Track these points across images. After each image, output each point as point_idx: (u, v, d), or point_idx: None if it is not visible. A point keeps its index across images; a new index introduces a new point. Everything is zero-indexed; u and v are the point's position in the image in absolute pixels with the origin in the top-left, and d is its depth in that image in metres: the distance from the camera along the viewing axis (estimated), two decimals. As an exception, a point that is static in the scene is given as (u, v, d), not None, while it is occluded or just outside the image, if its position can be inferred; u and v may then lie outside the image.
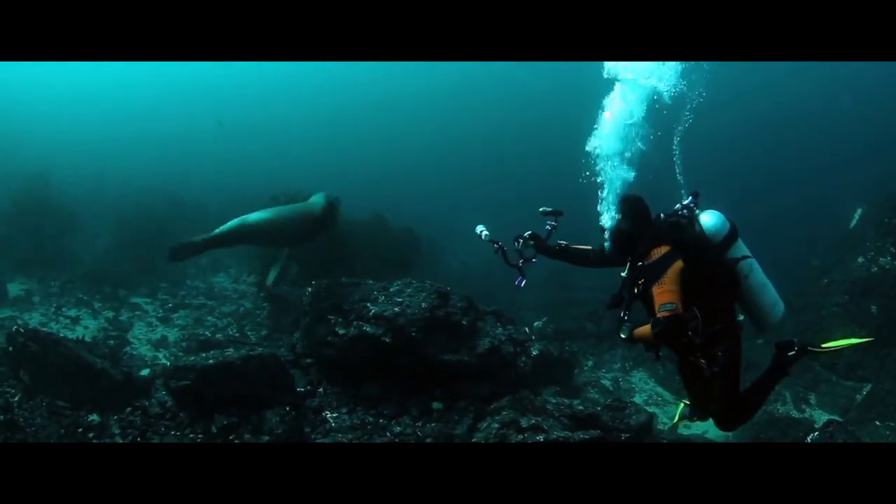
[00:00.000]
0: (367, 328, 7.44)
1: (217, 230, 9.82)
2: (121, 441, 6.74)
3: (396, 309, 7.50)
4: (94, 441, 6.70)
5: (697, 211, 4.98)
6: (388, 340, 7.37)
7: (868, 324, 13.29)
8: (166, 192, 23.03)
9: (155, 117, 46.99)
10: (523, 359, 8.67)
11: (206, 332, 12.63)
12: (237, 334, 12.51)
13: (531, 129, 46.80)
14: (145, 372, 8.50)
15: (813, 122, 44.80)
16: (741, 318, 5.10)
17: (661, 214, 5.03)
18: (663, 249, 4.70)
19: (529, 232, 5.56)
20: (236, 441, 6.85)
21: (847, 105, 41.19)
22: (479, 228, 5.62)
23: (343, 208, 12.92)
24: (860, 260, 14.56)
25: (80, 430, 6.74)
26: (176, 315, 14.17)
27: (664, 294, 4.54)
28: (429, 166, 45.89)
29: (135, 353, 11.32)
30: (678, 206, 5.07)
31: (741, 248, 4.98)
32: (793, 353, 5.36)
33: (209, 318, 14.13)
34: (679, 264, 4.61)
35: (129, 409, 7.20)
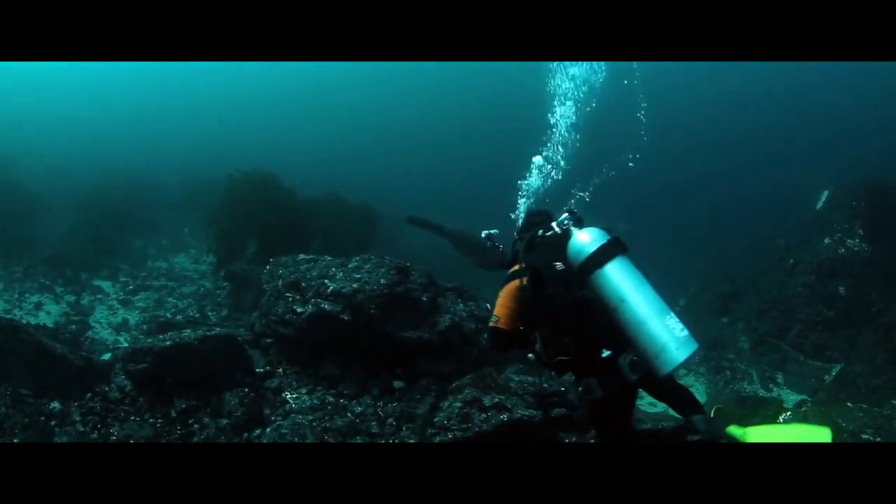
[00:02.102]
0: (326, 306, 7.21)
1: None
2: (81, 429, 6.62)
3: (355, 286, 7.27)
4: (56, 429, 6.61)
5: (573, 229, 4.76)
6: (346, 318, 7.15)
7: (835, 304, 13.34)
8: (128, 174, 22.70)
9: (115, 97, 46.49)
10: (485, 336, 8.45)
11: (167, 314, 12.50)
12: (197, 315, 12.34)
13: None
14: (107, 356, 8.34)
15: (784, 107, 45.24)
16: (606, 353, 4.49)
17: (541, 231, 4.93)
18: (519, 266, 4.80)
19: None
20: (195, 425, 6.69)
21: (847, 105, 41.53)
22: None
23: (301, 188, 12.92)
24: (827, 241, 14.63)
25: (42, 417, 6.58)
26: (137, 297, 14.09)
27: (496, 307, 4.77)
28: (389, 143, 45.88)
29: (96, 337, 11.21)
30: (556, 222, 4.93)
31: (612, 275, 4.47)
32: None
33: (170, 299, 14.05)
34: (517, 282, 4.70)
35: (89, 395, 7.02)
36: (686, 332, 4.32)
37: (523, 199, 6.02)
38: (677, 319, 4.35)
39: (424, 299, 7.63)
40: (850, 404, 10.52)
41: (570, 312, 4.60)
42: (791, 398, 11.61)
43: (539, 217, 5.11)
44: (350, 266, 7.68)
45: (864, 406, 10.32)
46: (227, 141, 35.40)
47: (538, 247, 4.90)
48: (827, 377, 12.21)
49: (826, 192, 16.76)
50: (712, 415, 5.09)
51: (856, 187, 15.90)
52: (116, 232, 17.60)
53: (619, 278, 4.43)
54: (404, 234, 16.06)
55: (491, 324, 4.78)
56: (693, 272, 19.01)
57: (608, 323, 4.46)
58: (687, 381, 13.31)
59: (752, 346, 13.92)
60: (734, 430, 4.79)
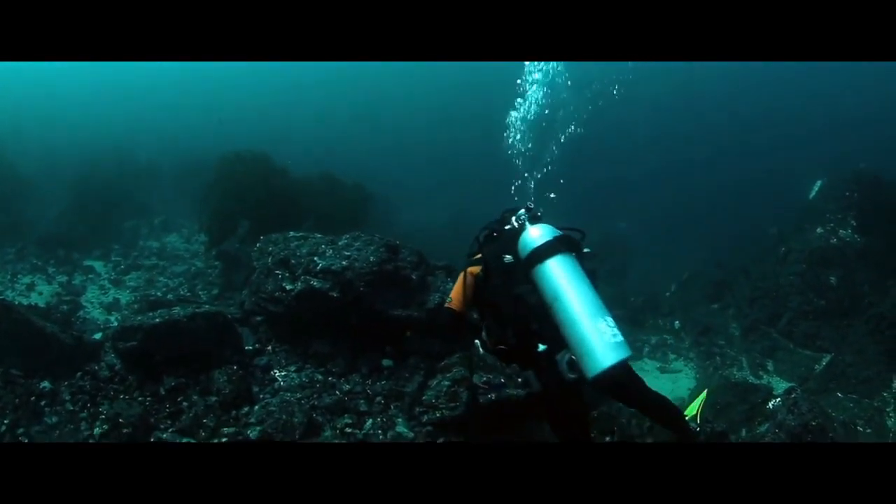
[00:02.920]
0: (315, 283, 7.18)
1: None
2: (71, 408, 6.56)
3: (344, 263, 7.23)
4: (46, 409, 6.55)
5: (527, 225, 4.81)
6: (335, 295, 7.12)
7: (827, 294, 13.37)
8: (119, 153, 22.56)
9: (104, 74, 46.26)
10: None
11: (158, 293, 12.44)
12: (188, 294, 12.30)
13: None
14: (98, 336, 8.29)
15: (779, 95, 45.25)
16: (542, 347, 4.52)
17: (506, 224, 5.08)
18: (478, 254, 5.09)
19: None
20: (184, 403, 6.66)
21: (846, 105, 41.62)
22: None
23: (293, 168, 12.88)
24: (819, 231, 14.66)
25: (32, 398, 6.54)
26: (128, 277, 14.05)
27: (453, 289, 5.01)
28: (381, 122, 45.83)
29: (88, 317, 11.17)
30: (515, 217, 5.05)
31: (551, 271, 4.48)
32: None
33: (161, 278, 14.00)
34: (473, 269, 4.97)
35: (79, 374, 6.99)
36: (619, 338, 4.25)
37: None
38: (613, 324, 4.29)
39: (414, 277, 7.60)
40: (840, 394, 10.57)
41: (510, 304, 4.70)
42: (780, 386, 11.64)
43: (510, 212, 5.14)
44: (340, 243, 7.65)
45: (854, 397, 10.37)
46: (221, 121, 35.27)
47: (496, 240, 5.06)
48: (817, 367, 12.24)
49: (819, 182, 16.75)
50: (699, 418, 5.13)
51: (849, 178, 15.89)
52: (108, 212, 17.49)
53: (558, 275, 4.44)
54: (397, 214, 16.08)
55: (445, 304, 5.02)
56: (685, 259, 19.02)
57: (546, 318, 4.46)
58: (676, 365, 13.35)
59: (742, 333, 13.95)
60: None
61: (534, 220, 4.92)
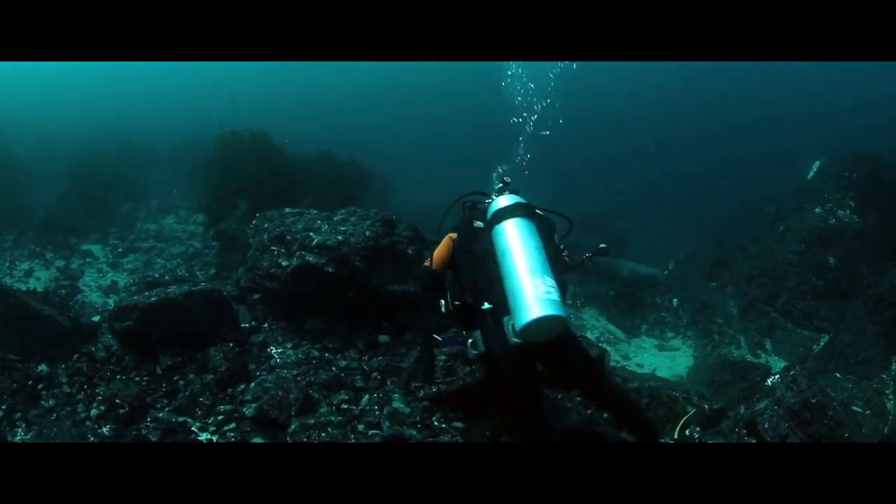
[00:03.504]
0: (310, 258, 7.15)
1: None
2: (68, 390, 6.50)
3: (340, 238, 7.20)
4: (43, 392, 6.50)
5: (496, 196, 5.12)
6: (331, 270, 7.09)
7: (825, 274, 13.37)
8: (117, 136, 22.54)
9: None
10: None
11: (155, 275, 12.44)
12: (186, 275, 12.29)
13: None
14: (96, 318, 8.28)
15: (778, 76, 45.14)
16: (488, 306, 4.66)
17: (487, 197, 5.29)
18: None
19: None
20: (180, 382, 6.64)
21: (846, 106, 41.48)
22: None
23: (291, 146, 12.85)
24: (818, 210, 14.65)
25: (30, 382, 6.51)
26: (126, 260, 14.12)
27: (434, 251, 5.30)
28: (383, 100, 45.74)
29: (86, 300, 11.20)
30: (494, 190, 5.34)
31: (505, 231, 4.67)
32: None
33: (158, 260, 14.05)
34: (453, 234, 5.27)
35: (76, 356, 6.96)
36: (553, 297, 4.30)
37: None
38: (551, 283, 4.36)
39: (410, 252, 7.57)
40: (838, 375, 10.56)
41: (468, 263, 4.98)
42: (779, 365, 11.67)
43: (506, 184, 5.38)
44: (336, 219, 7.62)
45: (852, 377, 10.35)
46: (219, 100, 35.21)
47: (472, 208, 5.34)
48: (815, 347, 12.26)
49: (818, 162, 16.71)
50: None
51: (848, 158, 15.88)
52: (106, 196, 17.53)
53: (510, 234, 4.61)
54: (395, 192, 16.09)
55: (424, 262, 5.29)
56: (684, 238, 19.04)
57: (493, 276, 4.60)
58: (674, 343, 13.38)
59: (740, 312, 13.97)
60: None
61: (510, 193, 5.13)
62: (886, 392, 9.83)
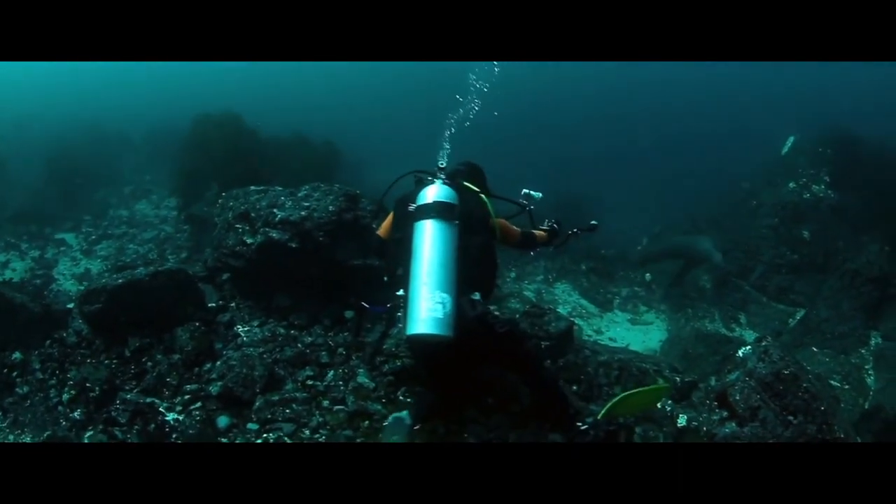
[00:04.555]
0: (274, 234, 7.08)
1: None
2: (41, 376, 6.62)
3: (303, 213, 7.13)
4: (18, 379, 6.68)
5: (435, 182, 5.17)
6: (294, 246, 7.03)
7: (800, 248, 13.45)
8: (89, 126, 22.39)
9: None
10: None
11: (128, 261, 12.43)
12: (157, 259, 12.26)
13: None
14: (71, 305, 8.29)
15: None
16: (401, 292, 4.87)
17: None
18: None
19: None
20: (148, 363, 6.67)
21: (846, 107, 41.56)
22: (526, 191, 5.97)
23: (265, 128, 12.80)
24: (791, 185, 14.79)
25: (4, 370, 6.62)
26: (99, 247, 14.17)
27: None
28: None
29: (60, 289, 11.24)
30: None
31: (421, 231, 4.80)
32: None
33: (131, 245, 14.10)
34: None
35: (48, 341, 6.98)
36: (438, 315, 4.44)
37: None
38: (446, 300, 4.49)
39: (374, 227, 7.52)
40: (815, 349, 10.62)
41: (391, 246, 5.30)
42: (753, 338, 11.70)
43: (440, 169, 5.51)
44: (300, 195, 7.55)
45: (830, 352, 10.41)
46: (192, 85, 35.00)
47: (419, 185, 5.31)
48: (791, 320, 12.35)
49: (792, 138, 16.83)
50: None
51: (822, 134, 15.99)
52: (80, 183, 17.49)
53: (425, 237, 4.74)
54: (368, 172, 16.07)
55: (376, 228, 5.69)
56: (659, 214, 19.08)
57: (405, 270, 4.79)
58: (648, 318, 13.41)
59: (714, 286, 14.01)
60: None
61: (448, 178, 5.27)
62: (866, 367, 10.01)
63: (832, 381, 9.16)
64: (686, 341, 10.96)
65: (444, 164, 5.40)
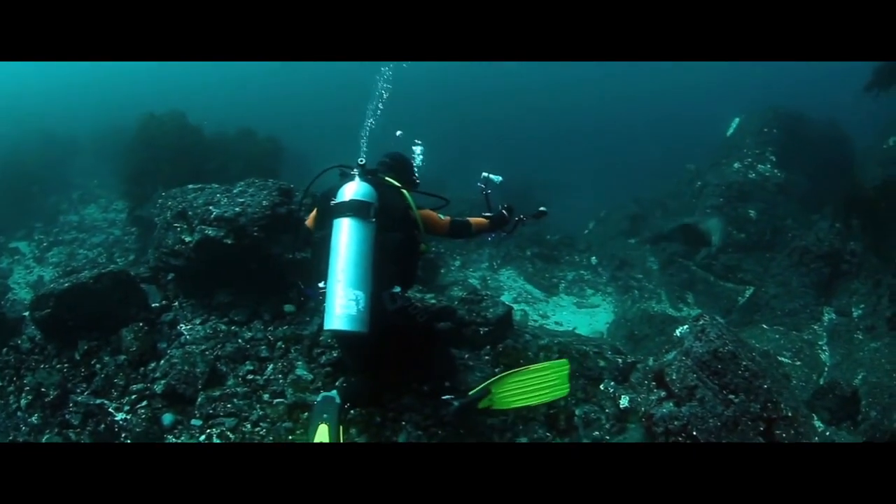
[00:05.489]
0: (210, 231, 7.10)
1: None
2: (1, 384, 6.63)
3: (237, 209, 7.15)
4: None
5: (354, 178, 5.21)
6: (230, 242, 7.06)
7: (747, 227, 13.60)
8: (38, 128, 22.14)
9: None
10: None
11: (78, 266, 12.42)
12: (106, 262, 12.22)
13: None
14: (26, 314, 8.30)
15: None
16: (322, 284, 4.99)
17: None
18: None
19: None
20: (97, 365, 6.73)
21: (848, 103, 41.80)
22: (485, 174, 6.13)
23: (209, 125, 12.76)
24: (736, 165, 14.93)
25: None
26: (50, 254, 14.12)
27: None
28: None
29: (16, 298, 11.20)
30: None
31: (338, 229, 4.91)
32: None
33: (81, 250, 14.11)
34: None
35: (4, 349, 6.99)
36: (352, 311, 4.61)
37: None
38: (360, 298, 4.66)
39: (305, 220, 7.59)
40: (765, 326, 10.74)
41: (315, 241, 5.40)
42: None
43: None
44: (235, 191, 7.58)
45: (781, 329, 10.51)
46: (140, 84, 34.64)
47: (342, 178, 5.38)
48: (740, 299, 12.45)
49: (737, 119, 17.02)
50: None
51: (767, 114, 16.15)
52: (31, 190, 17.39)
53: (342, 234, 4.85)
54: (310, 165, 16.10)
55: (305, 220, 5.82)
56: (607, 199, 19.20)
57: (323, 266, 4.90)
58: (594, 300, 13.51)
59: (660, 267, 14.14)
60: (482, 403, 5.36)
61: (368, 173, 5.30)
62: (819, 343, 10.02)
63: (782, 358, 9.16)
64: (632, 322, 11.07)
65: (364, 161, 5.39)
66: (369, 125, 5.90)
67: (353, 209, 4.88)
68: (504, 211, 6.13)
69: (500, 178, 6.11)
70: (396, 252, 5.16)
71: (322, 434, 4.87)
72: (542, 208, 6.28)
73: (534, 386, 5.47)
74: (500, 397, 5.41)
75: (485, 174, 6.07)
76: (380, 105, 5.99)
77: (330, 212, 5.04)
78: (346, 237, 4.81)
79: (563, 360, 5.74)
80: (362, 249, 4.80)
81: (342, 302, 4.60)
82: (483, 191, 6.11)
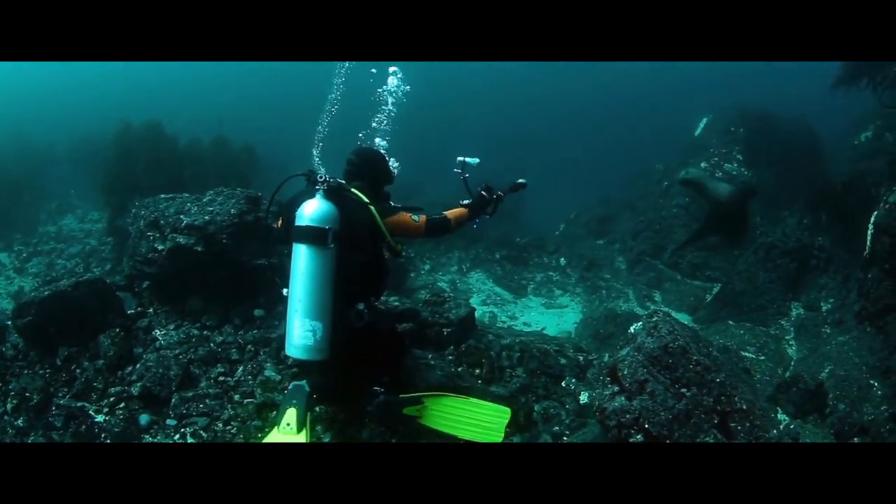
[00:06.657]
0: (181, 239, 7.36)
1: None
2: None
3: (207, 217, 7.42)
4: None
5: (316, 195, 4.99)
6: (200, 249, 7.32)
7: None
8: (16, 138, 22.13)
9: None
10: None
11: (56, 276, 12.56)
12: (82, 272, 12.39)
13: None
14: (9, 323, 8.46)
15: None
16: (285, 292, 5.03)
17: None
18: None
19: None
20: (77, 370, 6.97)
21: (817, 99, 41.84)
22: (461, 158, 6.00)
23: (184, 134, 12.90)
24: (703, 165, 14.98)
25: None
26: (30, 264, 14.20)
27: None
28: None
29: None
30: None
31: (297, 255, 4.88)
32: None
33: (59, 261, 14.20)
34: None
35: None
36: (308, 342, 4.76)
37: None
38: (316, 328, 4.77)
39: (276, 227, 7.80)
40: (731, 322, 10.76)
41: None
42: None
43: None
44: (204, 200, 7.83)
45: (747, 324, 10.51)
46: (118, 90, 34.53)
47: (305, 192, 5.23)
48: (708, 296, 12.54)
49: (705, 119, 17.17)
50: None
51: (734, 113, 16.29)
52: (9, 201, 17.43)
53: (300, 262, 4.84)
54: (284, 172, 16.22)
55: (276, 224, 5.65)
56: (577, 202, 19.30)
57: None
58: (562, 301, 13.63)
59: (628, 266, 14.29)
60: (409, 410, 5.45)
61: (332, 187, 5.02)
62: (787, 338, 9.99)
63: (746, 353, 9.20)
64: (598, 321, 11.12)
65: (324, 177, 5.03)
66: (322, 131, 6.02)
67: (310, 237, 4.79)
68: (483, 192, 5.90)
69: (477, 160, 5.97)
70: (361, 273, 5.14)
71: (290, 416, 5.06)
72: (520, 180, 6.14)
73: (468, 419, 5.59)
74: (430, 413, 5.51)
75: (460, 158, 5.94)
76: (332, 110, 6.10)
77: (291, 230, 4.96)
78: (303, 266, 4.79)
79: (506, 409, 5.79)
80: (320, 278, 4.78)
81: (299, 332, 4.74)
82: (461, 175, 5.97)
